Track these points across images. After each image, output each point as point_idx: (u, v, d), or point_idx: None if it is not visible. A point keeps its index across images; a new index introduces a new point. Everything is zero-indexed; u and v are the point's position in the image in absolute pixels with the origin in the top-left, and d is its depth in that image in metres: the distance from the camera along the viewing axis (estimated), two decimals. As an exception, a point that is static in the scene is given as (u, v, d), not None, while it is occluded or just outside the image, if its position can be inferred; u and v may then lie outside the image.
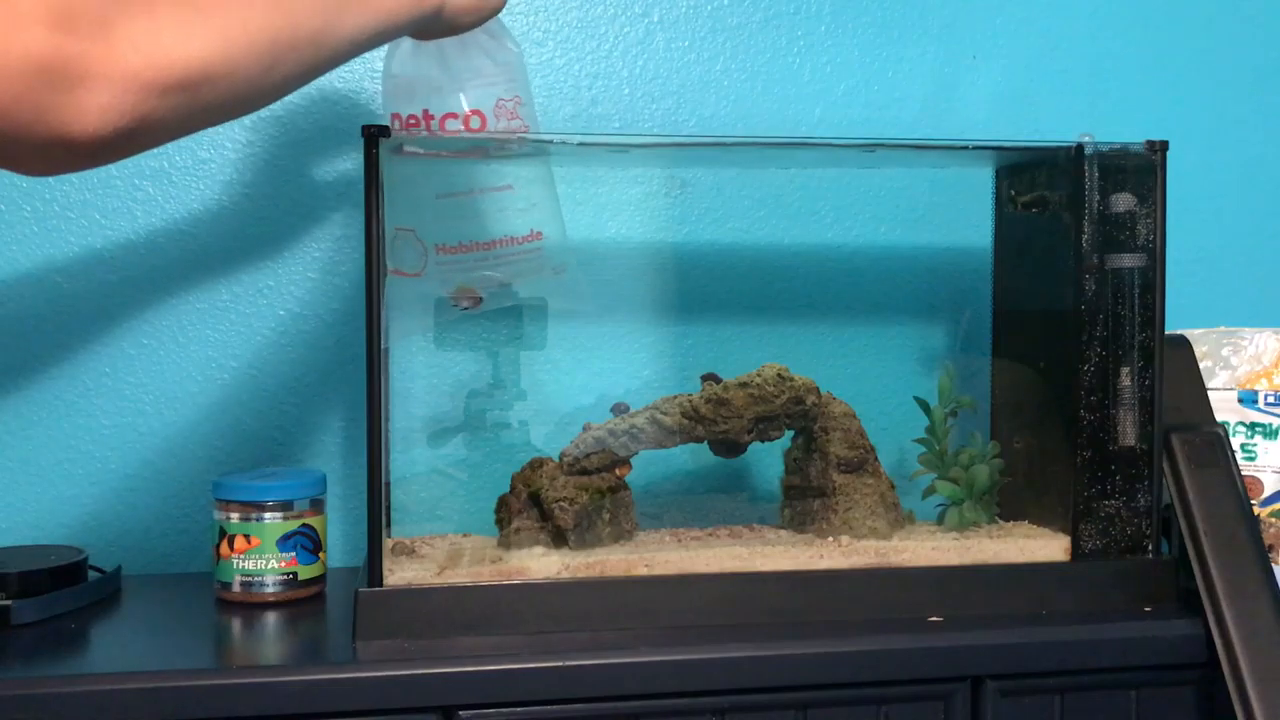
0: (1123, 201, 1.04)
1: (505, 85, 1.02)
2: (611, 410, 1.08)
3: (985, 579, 1.02)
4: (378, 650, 0.91)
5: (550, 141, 1.08)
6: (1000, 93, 1.33)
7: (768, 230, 1.28)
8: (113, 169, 1.17)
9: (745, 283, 1.27)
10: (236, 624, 1.00)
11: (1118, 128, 1.29)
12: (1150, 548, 1.05)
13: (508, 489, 1.07)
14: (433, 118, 1.01)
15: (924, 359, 1.29)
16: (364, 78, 1.21)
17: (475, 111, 1.01)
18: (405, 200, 1.03)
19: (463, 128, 1.00)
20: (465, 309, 1.08)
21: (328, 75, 1.19)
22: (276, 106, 1.19)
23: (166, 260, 1.18)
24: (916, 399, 1.15)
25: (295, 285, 1.21)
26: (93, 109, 0.53)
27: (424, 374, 1.20)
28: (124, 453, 1.18)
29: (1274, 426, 1.13)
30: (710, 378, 1.10)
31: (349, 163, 1.20)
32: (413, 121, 1.01)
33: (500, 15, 0.96)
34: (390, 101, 1.03)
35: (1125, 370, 1.05)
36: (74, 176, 1.16)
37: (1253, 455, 1.13)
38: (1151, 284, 1.04)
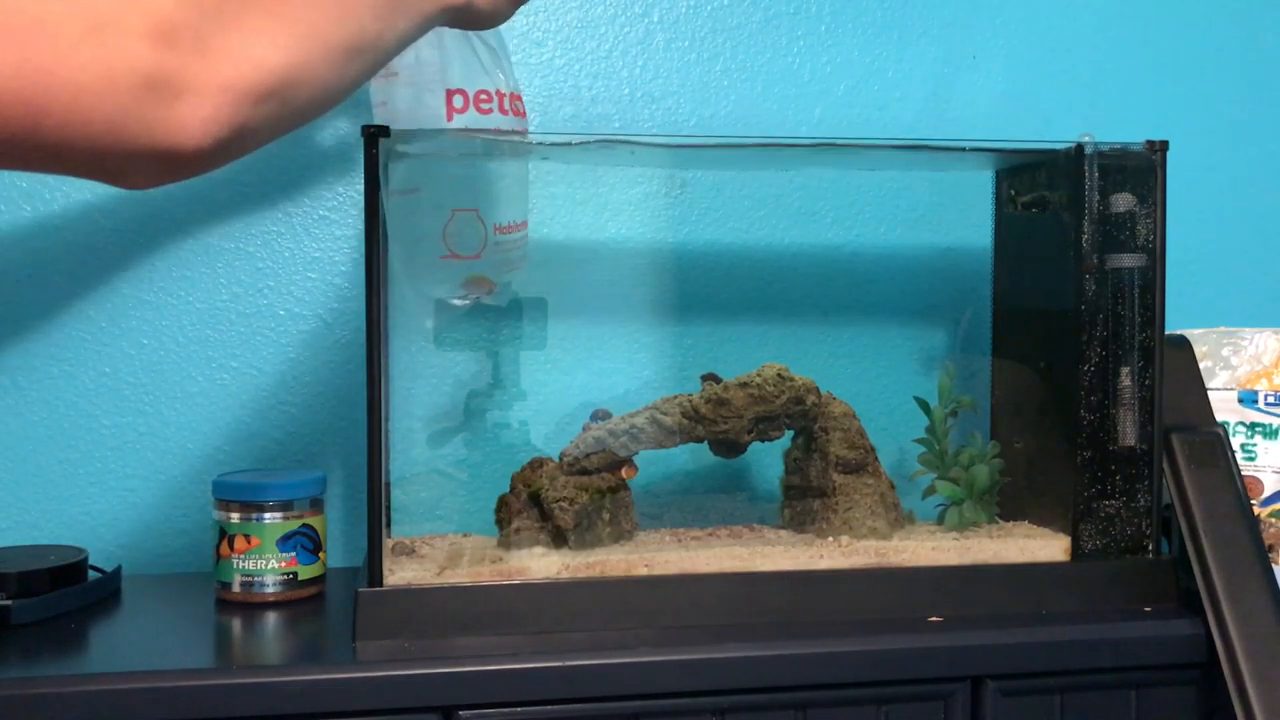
0: (1123, 201, 1.04)
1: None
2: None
3: (985, 579, 1.02)
4: (378, 650, 0.91)
5: (553, 144, 1.08)
6: (1000, 93, 1.33)
7: (768, 230, 1.28)
8: (113, 169, 1.17)
9: (745, 283, 1.27)
10: (236, 624, 1.00)
11: (1118, 128, 1.29)
12: (1150, 548, 1.04)
13: (508, 489, 1.07)
14: (503, 95, 1.02)
15: (924, 359, 1.29)
16: (364, 78, 1.21)
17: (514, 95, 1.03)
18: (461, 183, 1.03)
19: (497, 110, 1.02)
20: (478, 299, 1.07)
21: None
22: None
23: (167, 260, 1.18)
24: (916, 399, 1.15)
25: (295, 285, 1.21)
26: (195, 121, 0.54)
27: (424, 374, 1.20)
28: (124, 453, 1.18)
29: (1274, 426, 1.13)
30: (710, 378, 1.10)
31: (349, 162, 1.20)
32: (484, 96, 1.02)
33: None
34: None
35: (1125, 370, 1.05)
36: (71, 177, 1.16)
37: (1253, 455, 1.13)
38: (1151, 284, 1.04)
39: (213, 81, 0.55)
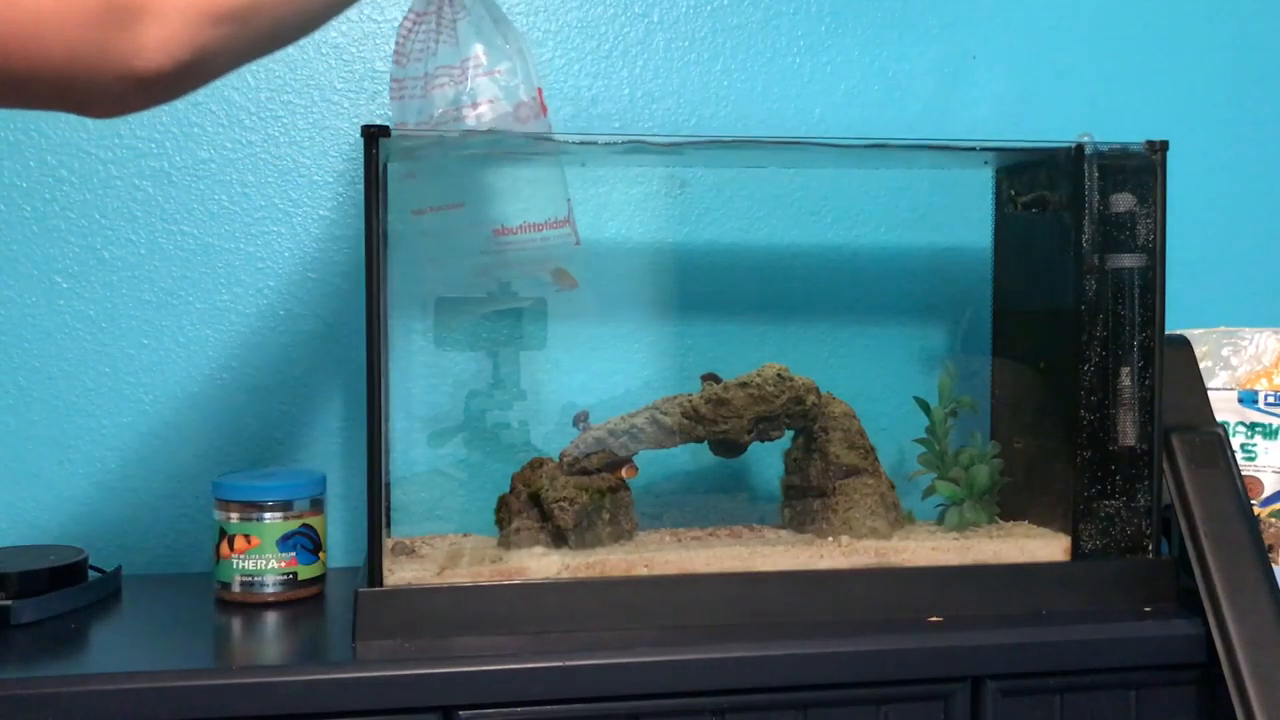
0: (1123, 201, 1.04)
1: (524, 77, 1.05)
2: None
3: (985, 579, 1.02)
4: (378, 650, 0.91)
5: (552, 141, 1.08)
6: (1000, 93, 1.33)
7: (768, 230, 1.28)
8: (113, 168, 1.17)
9: (745, 283, 1.27)
10: (236, 624, 1.00)
11: (1118, 128, 1.29)
12: (1150, 548, 1.04)
13: (508, 489, 1.07)
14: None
15: (924, 359, 1.29)
16: (364, 77, 1.21)
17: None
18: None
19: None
20: (563, 290, 1.09)
21: (327, 75, 1.20)
22: (276, 106, 1.19)
23: (166, 260, 1.18)
24: (916, 399, 1.15)
25: (295, 285, 1.21)
26: (153, 43, 0.55)
27: (424, 374, 1.20)
28: (124, 453, 1.18)
29: (1274, 426, 1.13)
30: (710, 378, 1.10)
31: (349, 162, 1.20)
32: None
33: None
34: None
35: (1125, 370, 1.05)
36: (73, 176, 1.16)
37: (1253, 455, 1.13)
38: (1151, 284, 1.04)
39: (170, 3, 0.55)
